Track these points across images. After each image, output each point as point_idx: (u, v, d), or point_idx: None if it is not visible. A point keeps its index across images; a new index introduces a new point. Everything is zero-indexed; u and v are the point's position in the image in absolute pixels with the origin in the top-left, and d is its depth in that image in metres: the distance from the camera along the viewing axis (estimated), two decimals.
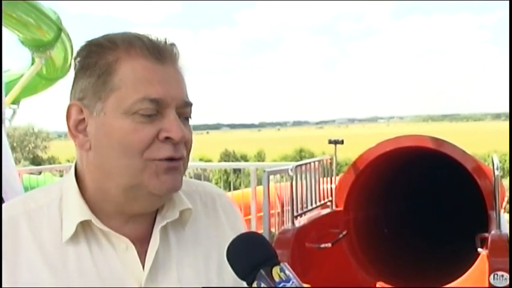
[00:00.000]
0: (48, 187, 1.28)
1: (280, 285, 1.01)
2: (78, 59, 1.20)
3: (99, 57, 1.17)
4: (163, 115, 1.15)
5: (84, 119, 1.18)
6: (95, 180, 1.19)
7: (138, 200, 1.18)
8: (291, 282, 1.01)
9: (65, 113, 1.20)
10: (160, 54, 1.17)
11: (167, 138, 1.15)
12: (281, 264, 1.04)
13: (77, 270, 1.16)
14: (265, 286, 1.01)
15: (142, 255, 1.20)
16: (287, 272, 1.03)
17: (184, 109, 1.19)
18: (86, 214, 1.18)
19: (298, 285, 1.02)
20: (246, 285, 1.06)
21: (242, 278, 1.05)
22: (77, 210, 1.19)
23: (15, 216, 1.19)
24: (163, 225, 1.23)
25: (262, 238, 1.11)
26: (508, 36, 4.44)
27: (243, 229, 1.37)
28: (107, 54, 1.17)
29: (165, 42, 1.19)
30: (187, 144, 1.20)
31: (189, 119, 1.22)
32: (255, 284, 1.02)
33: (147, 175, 1.14)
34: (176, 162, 1.17)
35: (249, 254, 1.07)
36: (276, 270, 1.03)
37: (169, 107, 1.15)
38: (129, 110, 1.13)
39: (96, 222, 1.18)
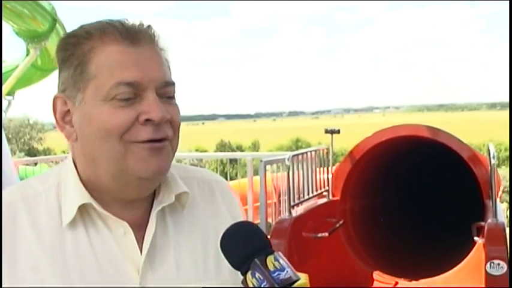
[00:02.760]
0: (45, 174, 1.29)
1: (275, 275, 1.00)
2: (58, 52, 1.22)
3: (75, 48, 1.18)
4: (142, 97, 1.15)
5: (69, 110, 1.19)
6: (85, 170, 1.20)
7: (129, 186, 1.19)
8: (285, 271, 1.01)
9: (51, 106, 1.21)
10: (134, 37, 1.17)
11: (147, 120, 1.14)
12: (275, 253, 1.04)
13: (75, 255, 1.17)
14: (260, 275, 1.01)
15: (140, 240, 1.21)
16: (281, 261, 1.03)
17: (165, 89, 1.19)
18: (86, 197, 1.19)
19: (292, 274, 1.02)
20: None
21: (237, 267, 1.05)
22: (77, 194, 1.19)
23: (13, 202, 1.20)
24: (160, 210, 1.24)
25: (256, 227, 1.11)
26: (508, 32, 4.43)
27: (241, 215, 1.38)
28: (82, 44, 1.18)
29: (140, 24, 1.19)
30: (174, 123, 1.19)
31: (174, 98, 1.21)
32: (249, 274, 1.02)
33: (132, 159, 1.15)
34: (159, 143, 1.17)
35: (243, 243, 1.06)
36: (270, 260, 1.02)
37: (148, 89, 1.15)
38: (106, 96, 1.14)
39: (95, 205, 1.19)
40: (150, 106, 1.14)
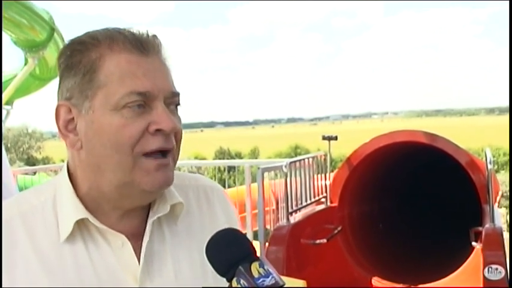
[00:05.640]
0: (40, 187, 1.29)
1: (259, 281, 1.01)
2: (62, 59, 1.21)
3: (83, 56, 1.17)
4: (152, 107, 1.16)
5: (73, 118, 1.19)
6: (88, 178, 1.20)
7: (131, 197, 1.19)
8: (270, 277, 1.02)
9: (54, 114, 1.20)
10: (143, 46, 1.18)
11: (158, 130, 1.15)
12: (260, 260, 1.05)
13: (74, 269, 1.17)
14: (244, 282, 1.02)
15: (138, 250, 1.21)
16: (266, 267, 1.04)
17: (172, 99, 1.20)
18: (81, 212, 1.19)
19: (277, 280, 1.02)
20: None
21: (222, 274, 1.06)
22: (73, 209, 1.19)
23: (10, 219, 1.19)
24: (156, 220, 1.24)
25: (241, 234, 1.12)
26: (508, 34, 4.45)
27: (237, 221, 1.39)
28: (90, 51, 1.17)
29: (147, 34, 1.20)
30: (178, 134, 1.20)
31: (178, 106, 1.22)
32: (234, 280, 1.03)
33: (138, 173, 1.15)
34: (166, 159, 1.18)
35: (228, 250, 1.07)
36: (255, 266, 1.03)
37: (157, 98, 1.16)
38: (117, 105, 1.14)
39: (92, 220, 1.19)
40: (160, 116, 1.15)
